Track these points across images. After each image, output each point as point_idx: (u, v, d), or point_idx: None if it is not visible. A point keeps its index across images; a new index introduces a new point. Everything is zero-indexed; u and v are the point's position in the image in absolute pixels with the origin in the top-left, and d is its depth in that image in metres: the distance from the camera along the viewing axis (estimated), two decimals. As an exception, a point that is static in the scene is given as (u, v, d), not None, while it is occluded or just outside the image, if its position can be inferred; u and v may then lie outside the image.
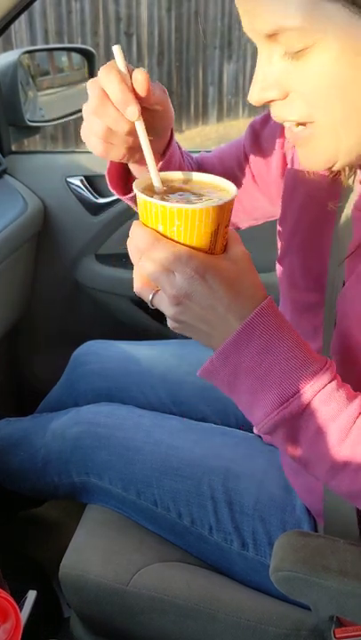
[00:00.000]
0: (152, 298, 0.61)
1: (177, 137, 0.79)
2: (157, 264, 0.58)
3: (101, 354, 1.15)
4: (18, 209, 1.37)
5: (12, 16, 1.23)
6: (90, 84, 0.62)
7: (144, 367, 1.09)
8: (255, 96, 0.59)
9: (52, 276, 1.57)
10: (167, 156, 0.74)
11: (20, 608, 0.67)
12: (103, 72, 0.60)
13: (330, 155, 0.60)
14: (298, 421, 0.59)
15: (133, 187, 0.60)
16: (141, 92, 0.60)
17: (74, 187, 1.49)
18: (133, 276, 0.63)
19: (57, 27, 4.53)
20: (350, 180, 0.70)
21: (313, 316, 0.76)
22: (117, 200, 1.49)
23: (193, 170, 0.86)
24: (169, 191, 0.62)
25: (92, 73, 1.52)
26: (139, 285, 0.62)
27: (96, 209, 1.50)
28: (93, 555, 0.87)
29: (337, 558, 0.63)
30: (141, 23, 4.70)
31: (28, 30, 4.41)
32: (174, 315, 0.60)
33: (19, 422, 1.14)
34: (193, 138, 5.26)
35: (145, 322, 1.55)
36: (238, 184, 0.90)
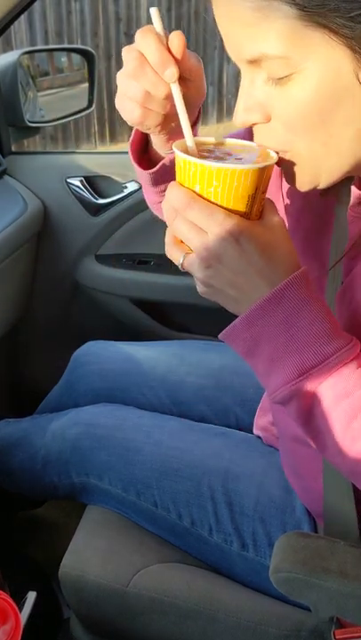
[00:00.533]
0: (183, 261, 0.60)
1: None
2: (191, 224, 0.57)
3: (101, 354, 1.15)
4: (18, 209, 1.37)
5: (12, 17, 1.23)
6: (126, 50, 0.61)
7: (144, 368, 1.09)
8: (239, 118, 0.59)
9: (52, 276, 1.57)
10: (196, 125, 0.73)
11: (20, 609, 0.67)
12: (140, 35, 0.59)
13: (311, 178, 0.61)
14: (313, 394, 0.58)
15: (173, 147, 0.59)
16: (178, 54, 0.59)
17: (74, 187, 1.49)
18: (165, 239, 0.62)
19: (57, 27, 4.53)
20: (347, 184, 0.70)
21: None
22: (117, 201, 1.49)
23: None
24: (204, 155, 0.61)
25: (91, 73, 1.52)
26: (170, 247, 0.61)
27: (96, 210, 1.50)
28: (93, 555, 0.87)
29: (337, 559, 0.63)
30: (141, 24, 4.70)
31: (27, 31, 4.41)
32: (204, 278, 0.59)
33: (18, 423, 1.14)
34: (193, 138, 5.26)
35: (145, 322, 1.55)
36: None
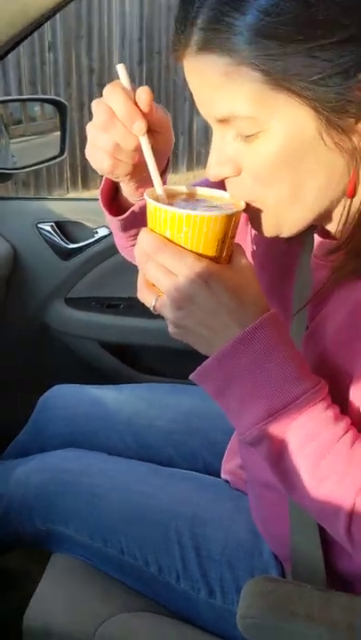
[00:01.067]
0: (155, 303, 0.62)
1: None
2: (163, 267, 0.59)
3: (69, 398, 1.14)
4: (-13, 253, 1.38)
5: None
6: (95, 103, 0.63)
7: (111, 411, 1.09)
8: (213, 171, 0.62)
9: (22, 319, 1.57)
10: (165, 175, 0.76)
11: (-19, 662, 0.65)
12: (108, 90, 0.62)
13: (275, 227, 0.64)
14: (283, 435, 0.59)
15: (144, 195, 0.61)
16: (145, 108, 0.62)
17: (44, 232, 1.51)
18: (138, 282, 0.63)
19: (30, 77, 4.62)
20: (310, 233, 0.73)
21: None
22: (88, 245, 1.51)
23: None
24: (173, 203, 0.64)
25: (63, 123, 1.55)
26: (142, 290, 0.63)
27: (67, 254, 1.51)
28: (58, 606, 0.84)
29: (304, 603, 0.63)
30: (113, 75, 4.81)
31: (1, 80, 4.49)
32: (176, 319, 0.60)
33: (-16, 468, 1.12)
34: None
35: (114, 366, 1.55)
36: None
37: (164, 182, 0.77)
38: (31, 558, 1.27)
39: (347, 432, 0.59)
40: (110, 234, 1.49)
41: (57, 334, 1.57)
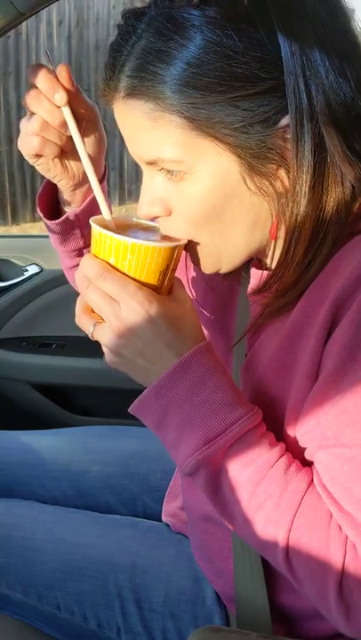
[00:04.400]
0: (93, 330, 0.61)
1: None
2: (104, 294, 0.59)
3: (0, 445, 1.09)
4: None
5: None
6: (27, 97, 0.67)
7: (46, 458, 1.05)
8: (143, 210, 0.63)
9: None
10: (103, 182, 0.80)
11: None
12: (30, 69, 0.65)
13: (214, 263, 0.65)
14: (219, 462, 0.60)
15: (90, 220, 0.62)
16: (64, 81, 0.65)
17: None
18: (76, 308, 0.63)
19: None
20: (247, 266, 0.74)
21: None
22: (17, 284, 1.47)
23: None
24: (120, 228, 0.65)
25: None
26: (80, 316, 0.63)
27: (-5, 292, 1.47)
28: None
29: (249, 654, 0.61)
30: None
31: None
32: (115, 347, 0.60)
33: None
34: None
35: (48, 409, 1.50)
36: None
37: (104, 191, 0.78)
38: None
39: (281, 457, 0.61)
40: (40, 271, 1.46)
41: (-14, 377, 1.51)
